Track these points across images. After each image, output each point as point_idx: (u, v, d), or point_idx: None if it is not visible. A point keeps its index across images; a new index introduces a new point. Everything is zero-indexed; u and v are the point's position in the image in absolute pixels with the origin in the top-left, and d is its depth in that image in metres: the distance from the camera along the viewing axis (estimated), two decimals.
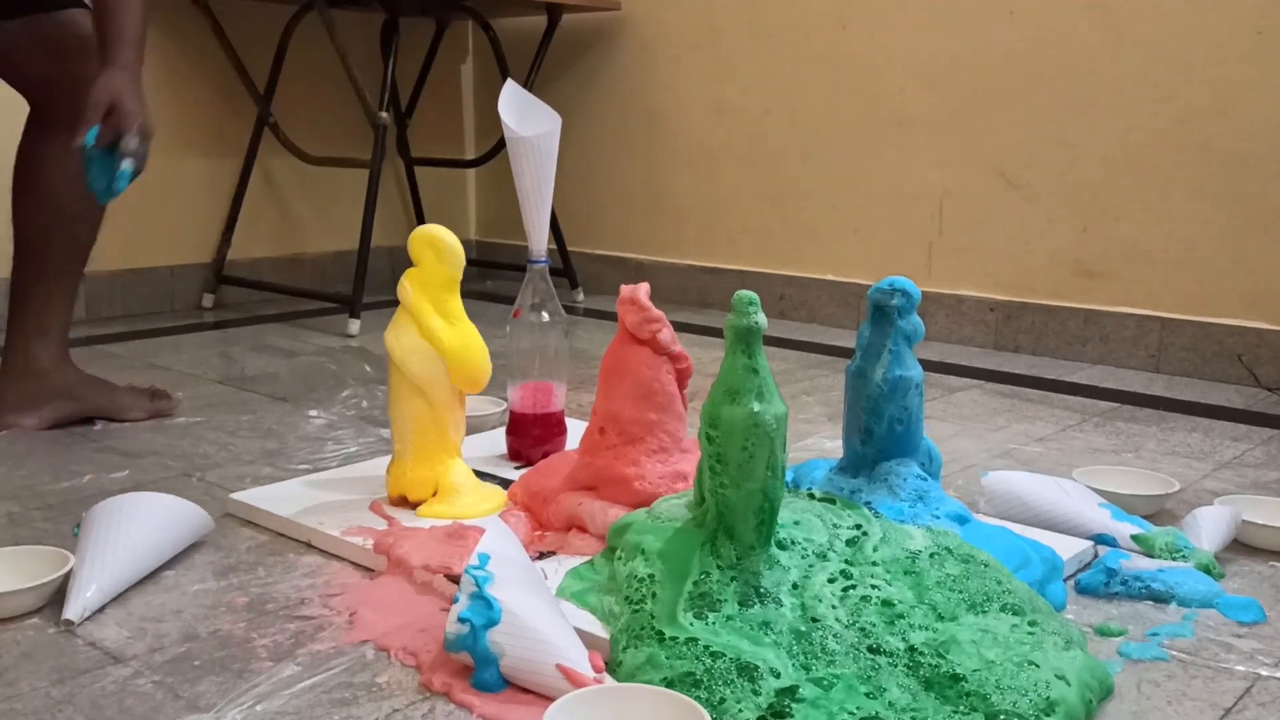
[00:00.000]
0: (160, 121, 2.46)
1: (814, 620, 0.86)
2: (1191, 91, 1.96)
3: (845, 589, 0.89)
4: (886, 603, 0.88)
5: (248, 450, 1.46)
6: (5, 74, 1.53)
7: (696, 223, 2.69)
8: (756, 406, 0.90)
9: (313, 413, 1.64)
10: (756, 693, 0.79)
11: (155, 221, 2.49)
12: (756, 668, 0.80)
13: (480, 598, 0.83)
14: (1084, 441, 1.57)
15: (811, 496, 1.06)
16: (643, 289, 1.15)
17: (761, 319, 0.92)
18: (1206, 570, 1.08)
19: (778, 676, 0.80)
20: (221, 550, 1.12)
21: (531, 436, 1.37)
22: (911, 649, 0.83)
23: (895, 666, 0.82)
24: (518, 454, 1.38)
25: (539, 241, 1.35)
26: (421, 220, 2.98)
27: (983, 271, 2.25)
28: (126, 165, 1.31)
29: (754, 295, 0.92)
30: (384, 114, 2.30)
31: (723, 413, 0.90)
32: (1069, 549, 1.10)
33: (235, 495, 1.23)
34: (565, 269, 2.73)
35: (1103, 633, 0.97)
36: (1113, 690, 0.86)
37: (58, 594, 0.98)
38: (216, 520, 1.19)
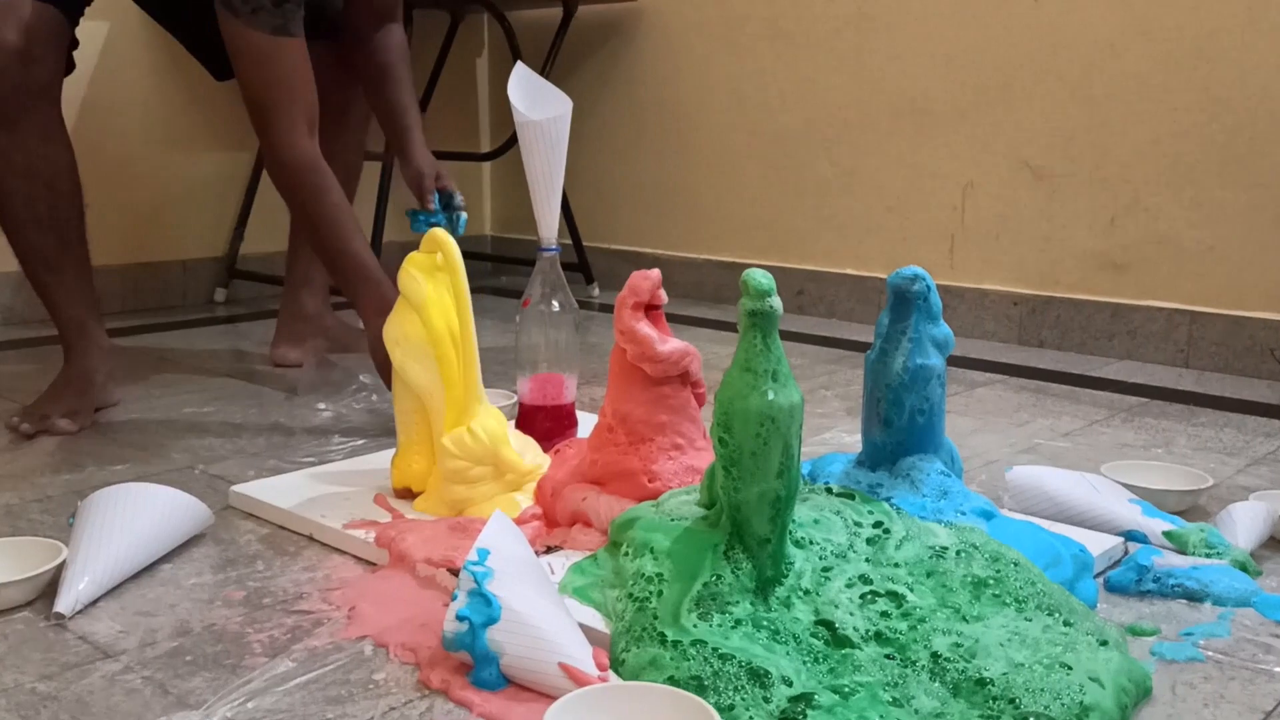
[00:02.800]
0: (173, 115, 2.46)
1: (831, 626, 0.81)
2: (1221, 79, 1.90)
3: (864, 594, 0.85)
4: (909, 608, 0.84)
5: (253, 443, 1.44)
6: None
7: (714, 217, 2.65)
8: (771, 395, 0.86)
9: (321, 405, 1.61)
10: (768, 700, 0.74)
11: (167, 216, 2.47)
12: (768, 673, 0.76)
13: (479, 595, 0.79)
14: (1112, 437, 1.52)
15: (829, 491, 1.02)
16: (630, 293, 1.09)
17: (777, 304, 0.88)
18: (1243, 568, 1.03)
19: (790, 685, 0.75)
20: (221, 543, 1.09)
21: (541, 429, 1.33)
22: (935, 655, 0.79)
23: (918, 673, 0.78)
24: None
25: (549, 229, 1.32)
26: None
27: (1006, 265, 2.20)
28: (464, 216, 1.62)
29: (768, 276, 0.87)
30: None
31: (736, 402, 0.86)
32: (1098, 545, 1.06)
33: (236, 488, 1.20)
34: (580, 264, 2.70)
35: (1135, 632, 0.93)
36: (1151, 692, 0.82)
37: (50, 586, 0.95)
38: (218, 513, 1.16)
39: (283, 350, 1.88)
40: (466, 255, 3.06)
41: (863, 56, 2.34)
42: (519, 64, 1.30)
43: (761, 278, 0.87)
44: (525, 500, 1.14)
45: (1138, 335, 2.04)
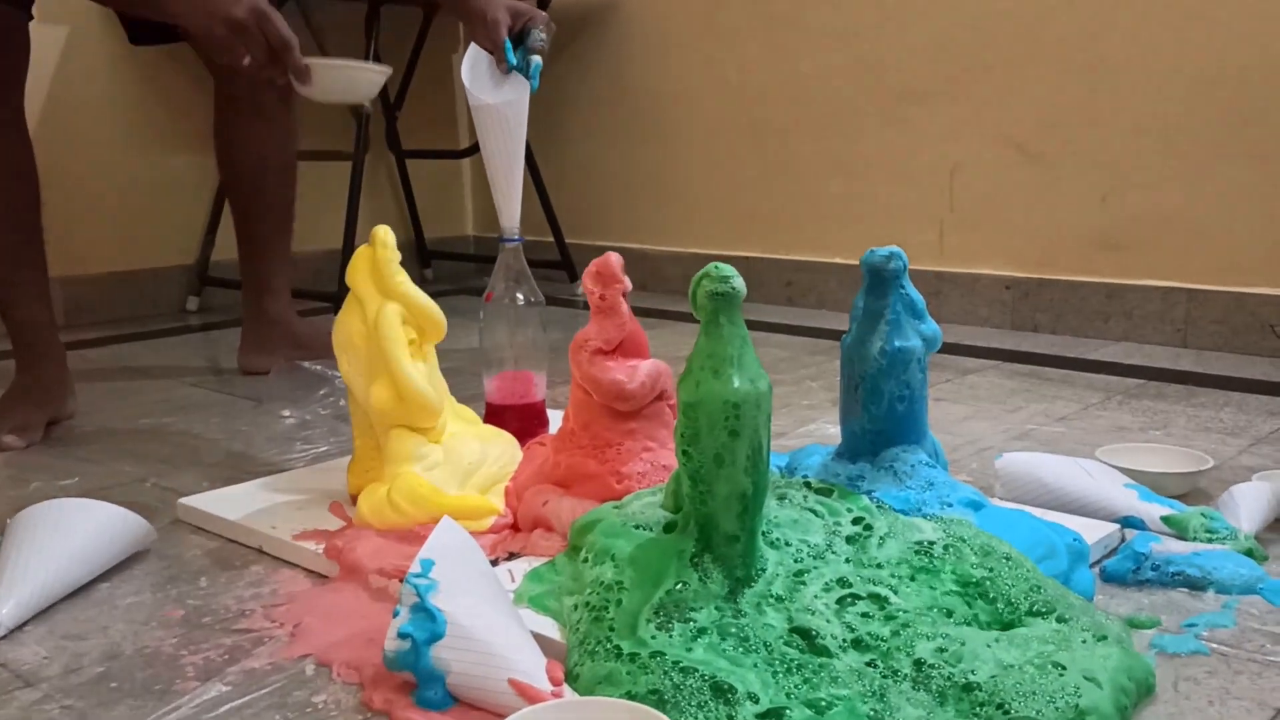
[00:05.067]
0: (139, 119, 2.40)
1: (806, 634, 0.75)
2: (1217, 48, 1.84)
3: (842, 598, 0.79)
4: (891, 610, 0.78)
5: (211, 452, 1.37)
6: (206, 60, 1.74)
7: (699, 209, 2.59)
8: (736, 382, 0.80)
9: (285, 412, 1.55)
10: (732, 717, 0.68)
11: (136, 223, 2.41)
12: (733, 689, 0.69)
13: (422, 609, 0.73)
14: (1109, 420, 1.46)
15: (808, 485, 0.96)
16: (596, 335, 1.02)
17: (739, 284, 0.82)
18: (1248, 553, 0.97)
19: (756, 701, 0.69)
20: (165, 559, 1.03)
21: (510, 430, 1.27)
22: (918, 662, 0.72)
23: (900, 682, 0.71)
24: None
25: (511, 218, 1.26)
26: (415, 216, 2.89)
27: (997, 247, 2.14)
28: (537, 59, 1.29)
29: (725, 265, 0.82)
30: (365, 103, 2.21)
31: (699, 391, 0.80)
32: (1093, 533, 1.00)
33: (185, 500, 1.13)
34: (563, 261, 2.64)
35: (1133, 625, 0.86)
36: (1154, 690, 0.76)
37: None
38: (167, 527, 1.10)
39: (250, 358, 1.81)
40: (447, 256, 2.96)
41: (845, 38, 2.28)
42: (472, 45, 1.24)
43: (722, 265, 0.82)
44: (497, 501, 1.07)
45: (1134, 315, 1.98)
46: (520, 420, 1.28)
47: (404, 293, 1.07)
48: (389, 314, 1.04)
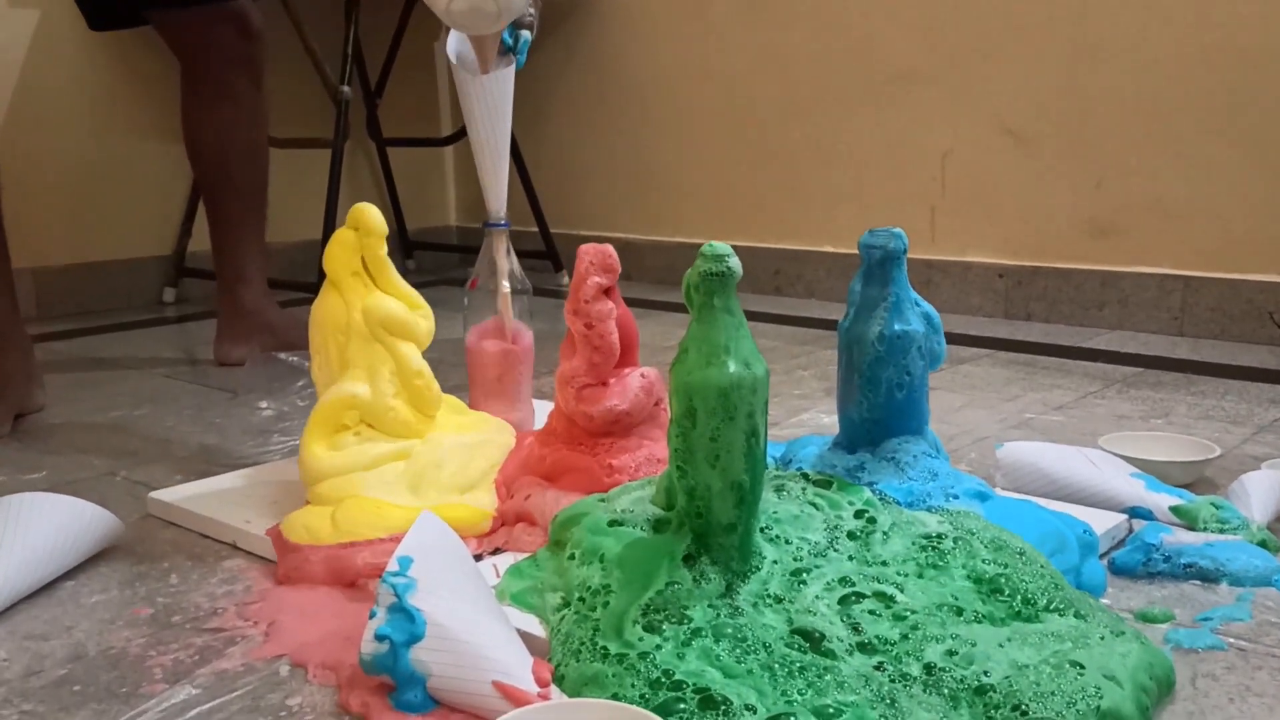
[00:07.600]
0: (113, 104, 2.34)
1: (809, 636, 0.71)
2: (1212, 29, 1.81)
3: (845, 597, 0.75)
4: (899, 610, 0.74)
5: (184, 445, 1.33)
6: (170, 43, 1.69)
7: (685, 197, 2.54)
8: (732, 367, 0.76)
9: (262, 404, 1.50)
10: None
11: (109, 212, 2.35)
12: (728, 701, 0.64)
13: (400, 610, 0.69)
14: (1108, 408, 1.43)
15: (805, 477, 0.92)
16: (587, 370, 0.97)
17: (735, 264, 0.78)
18: (1262, 544, 0.94)
19: (754, 712, 0.64)
20: (134, 556, 0.98)
21: (490, 375, 1.22)
22: (928, 665, 0.68)
23: (910, 685, 0.67)
24: None
25: (497, 200, 1.21)
26: (397, 206, 2.84)
27: (990, 235, 2.11)
28: (526, 34, 1.23)
29: (720, 244, 0.78)
30: (345, 88, 2.16)
31: (694, 377, 0.76)
32: (1100, 524, 0.96)
33: (155, 494, 1.09)
34: (548, 251, 2.59)
35: (1145, 619, 0.83)
36: (1174, 686, 0.72)
37: None
38: (137, 522, 1.05)
39: (225, 348, 1.75)
40: (429, 246, 2.91)
41: (832, 21, 2.24)
42: None
43: (716, 244, 0.78)
44: (485, 499, 1.01)
45: (1129, 303, 1.95)
46: (501, 366, 1.22)
47: (396, 287, 1.03)
48: (336, 394, 0.98)
